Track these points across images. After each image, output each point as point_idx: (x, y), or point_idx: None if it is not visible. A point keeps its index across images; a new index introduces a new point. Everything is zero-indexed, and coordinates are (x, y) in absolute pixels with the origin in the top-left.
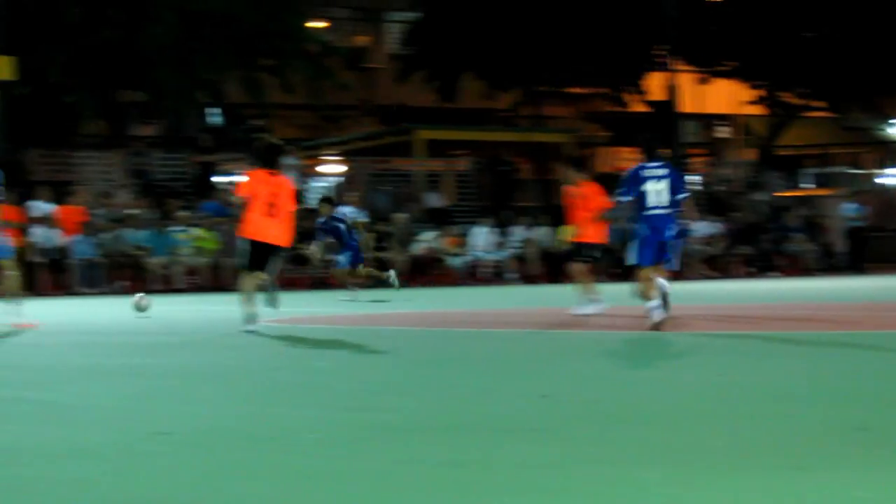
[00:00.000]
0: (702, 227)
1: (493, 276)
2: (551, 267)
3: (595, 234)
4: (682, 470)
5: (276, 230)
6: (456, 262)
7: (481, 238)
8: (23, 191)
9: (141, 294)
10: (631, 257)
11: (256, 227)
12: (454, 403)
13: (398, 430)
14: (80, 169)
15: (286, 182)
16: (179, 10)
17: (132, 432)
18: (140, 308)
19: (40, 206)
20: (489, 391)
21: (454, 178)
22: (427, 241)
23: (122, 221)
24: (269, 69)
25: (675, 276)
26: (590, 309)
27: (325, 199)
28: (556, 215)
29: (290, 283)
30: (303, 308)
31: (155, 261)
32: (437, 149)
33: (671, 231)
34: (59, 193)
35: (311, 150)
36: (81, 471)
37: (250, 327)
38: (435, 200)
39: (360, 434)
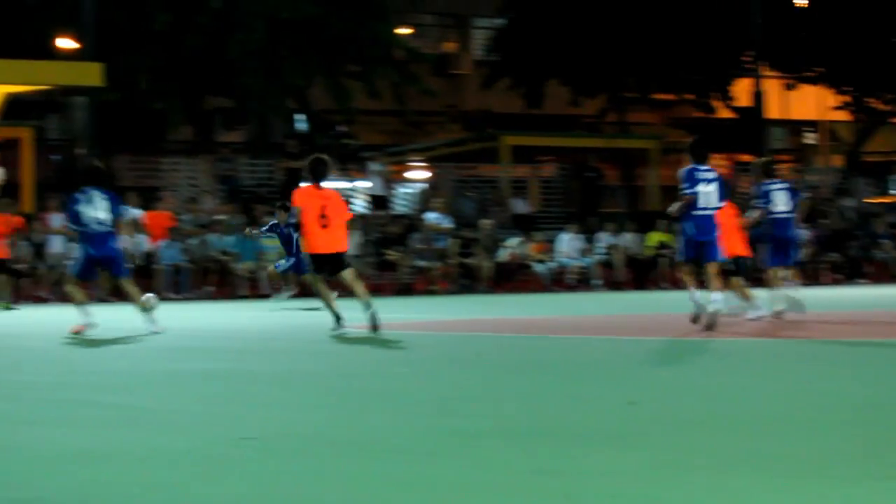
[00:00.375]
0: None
1: (579, 282)
2: (637, 273)
3: (737, 244)
4: (769, 477)
5: (330, 240)
6: (541, 268)
7: (567, 244)
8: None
9: (150, 294)
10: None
11: (312, 240)
12: (539, 410)
13: (483, 436)
14: (168, 175)
15: (335, 194)
16: (267, 17)
17: (217, 437)
18: (146, 308)
19: (128, 212)
20: (575, 398)
21: (540, 185)
22: (512, 247)
23: (208, 227)
24: (356, 75)
25: (760, 282)
26: (755, 312)
27: (282, 207)
28: (642, 222)
29: (374, 290)
30: (387, 314)
31: (241, 266)
32: (523, 155)
33: (714, 232)
34: (147, 199)
35: (397, 157)
36: (169, 475)
37: (339, 329)
38: (520, 207)
39: (444, 441)
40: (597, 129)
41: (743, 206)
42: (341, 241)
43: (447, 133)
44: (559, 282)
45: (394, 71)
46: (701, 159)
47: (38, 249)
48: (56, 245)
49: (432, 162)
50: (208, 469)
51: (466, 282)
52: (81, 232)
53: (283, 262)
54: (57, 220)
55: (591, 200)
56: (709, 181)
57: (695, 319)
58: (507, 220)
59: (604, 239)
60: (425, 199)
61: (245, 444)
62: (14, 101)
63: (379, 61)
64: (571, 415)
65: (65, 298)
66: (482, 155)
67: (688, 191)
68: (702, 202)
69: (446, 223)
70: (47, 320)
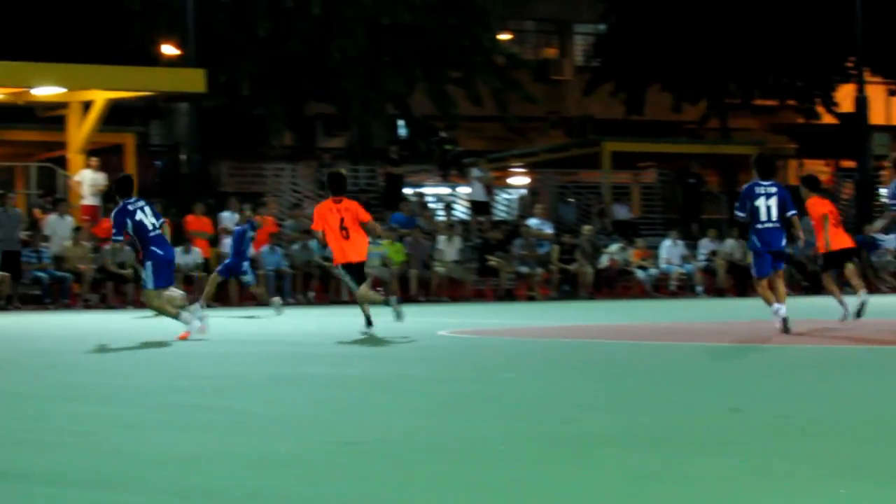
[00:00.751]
0: (890, 241)
1: (680, 289)
2: (738, 280)
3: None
4: (873, 486)
5: (354, 249)
6: (643, 274)
7: (668, 251)
8: (214, 202)
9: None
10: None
11: (340, 252)
12: (643, 416)
13: (588, 443)
14: (269, 180)
15: (353, 205)
16: (368, 23)
17: (320, 442)
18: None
19: (231, 218)
20: (677, 404)
21: (641, 191)
22: (613, 253)
23: (310, 233)
24: (457, 81)
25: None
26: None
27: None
28: (744, 228)
29: (476, 295)
30: (489, 320)
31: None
32: (624, 161)
33: (781, 243)
34: (249, 205)
35: (498, 162)
36: (273, 479)
37: (368, 330)
38: (622, 213)
39: (549, 447)
40: (698, 135)
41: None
42: (363, 249)
43: (548, 139)
44: (661, 288)
45: (495, 77)
46: (765, 174)
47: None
48: None
49: (533, 168)
50: (312, 473)
51: (567, 288)
52: (152, 238)
53: (220, 266)
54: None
55: (692, 207)
56: (769, 195)
57: (785, 330)
58: (609, 226)
59: (705, 245)
60: (526, 205)
61: (347, 448)
62: (117, 106)
63: (480, 67)
64: (675, 421)
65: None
66: (583, 161)
67: (738, 213)
68: (763, 216)
69: (548, 229)
70: (155, 326)
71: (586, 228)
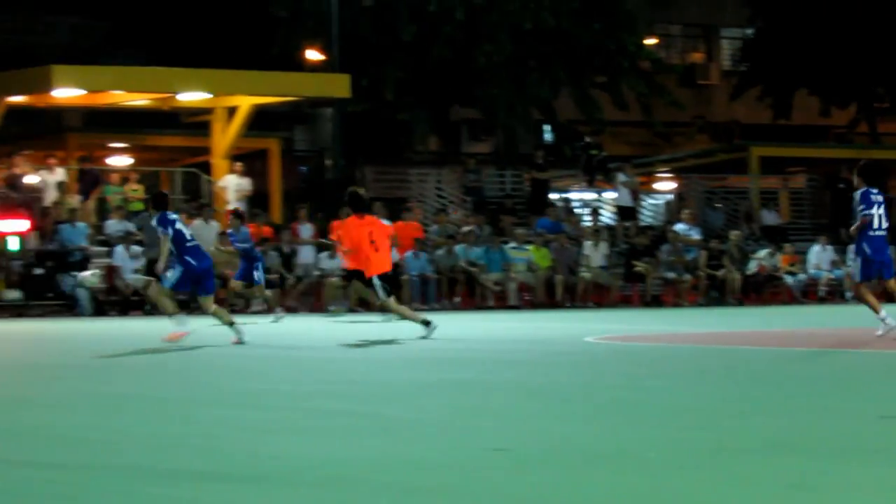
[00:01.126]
0: None
1: (830, 294)
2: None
3: None
4: None
5: (383, 260)
6: (791, 280)
7: (817, 256)
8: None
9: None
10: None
11: (372, 264)
12: (791, 423)
13: (735, 450)
14: (414, 185)
15: (375, 219)
16: (511, 28)
17: (470, 448)
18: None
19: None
20: (826, 411)
21: (790, 196)
22: (762, 259)
23: (455, 238)
24: (602, 86)
25: None
26: None
27: (235, 214)
28: (895, 233)
29: (622, 301)
30: (635, 325)
31: (488, 277)
32: (772, 166)
33: (888, 251)
34: (394, 210)
35: (644, 168)
36: (423, 484)
37: (431, 333)
38: (770, 218)
39: (695, 454)
40: (846, 140)
41: None
42: (388, 261)
43: (695, 144)
44: (809, 294)
45: (641, 82)
46: (873, 182)
47: (287, 259)
48: (305, 255)
49: (680, 173)
50: (461, 480)
51: (715, 294)
52: (188, 248)
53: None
54: (306, 230)
55: (842, 212)
56: (880, 204)
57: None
58: (757, 231)
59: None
60: (673, 211)
61: (498, 455)
62: (262, 112)
63: (626, 72)
64: (823, 428)
65: (311, 308)
66: (730, 166)
67: (865, 212)
68: (875, 223)
69: (695, 234)
70: (296, 330)
71: (734, 234)
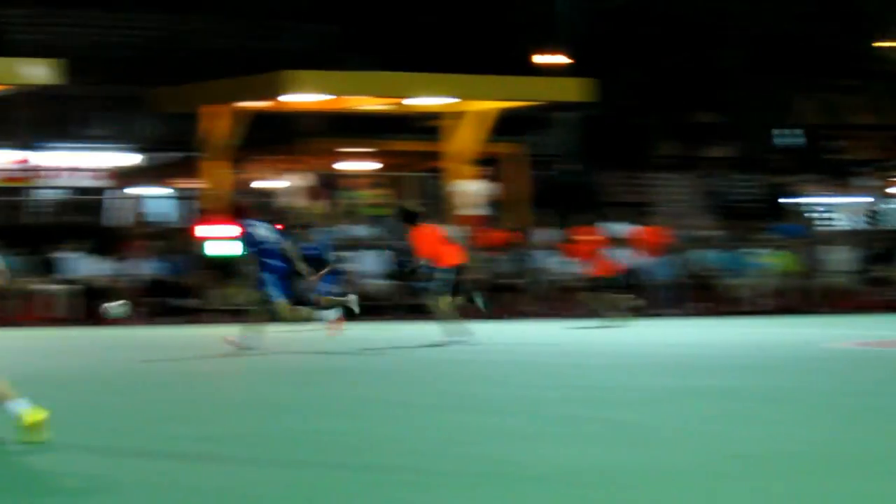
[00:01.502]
0: None
1: None
2: None
3: None
4: None
5: (457, 253)
6: None
7: None
8: (598, 212)
9: (119, 302)
10: None
11: (445, 255)
12: None
13: None
14: (654, 190)
15: (434, 228)
16: (754, 32)
17: (712, 455)
18: (109, 314)
19: (614, 228)
20: None
21: None
22: None
23: (697, 243)
24: (846, 89)
25: None
26: None
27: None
28: None
29: (862, 306)
30: (875, 331)
31: (731, 282)
32: None
33: None
34: (635, 214)
35: (888, 171)
36: (668, 494)
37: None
38: None
39: None
40: None
41: None
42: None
43: None
44: None
45: (886, 85)
46: None
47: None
48: (539, 260)
49: None
50: (701, 488)
51: None
52: (265, 250)
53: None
54: (542, 235)
55: None
56: None
57: None
58: None
59: None
60: None
61: (737, 461)
62: (500, 116)
63: (873, 75)
64: None
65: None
66: None
67: None
68: None
69: None
70: (531, 334)
71: None
